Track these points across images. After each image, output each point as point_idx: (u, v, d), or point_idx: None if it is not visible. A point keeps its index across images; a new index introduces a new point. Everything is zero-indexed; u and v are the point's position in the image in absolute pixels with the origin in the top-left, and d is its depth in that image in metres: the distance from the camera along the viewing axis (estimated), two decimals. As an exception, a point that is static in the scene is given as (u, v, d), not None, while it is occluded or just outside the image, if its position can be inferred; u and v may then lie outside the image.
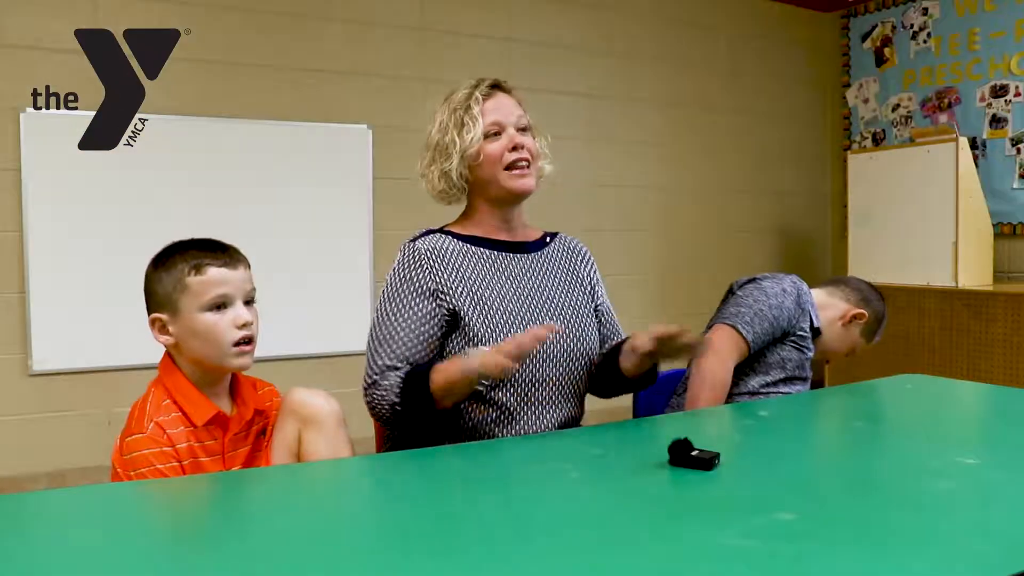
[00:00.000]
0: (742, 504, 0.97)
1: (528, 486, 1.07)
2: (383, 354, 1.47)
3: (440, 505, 1.01)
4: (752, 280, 1.91)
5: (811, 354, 1.87)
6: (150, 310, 1.37)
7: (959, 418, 1.63)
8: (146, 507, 1.09)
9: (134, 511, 1.06)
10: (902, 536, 0.86)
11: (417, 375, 1.41)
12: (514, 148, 1.51)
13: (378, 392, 1.44)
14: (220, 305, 1.35)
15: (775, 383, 1.82)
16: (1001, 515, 0.93)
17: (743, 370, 1.82)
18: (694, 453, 1.10)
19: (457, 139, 1.51)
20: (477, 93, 1.53)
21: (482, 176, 1.52)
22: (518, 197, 1.55)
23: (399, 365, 1.46)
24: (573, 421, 1.57)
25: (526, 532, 0.89)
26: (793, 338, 1.83)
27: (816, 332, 1.90)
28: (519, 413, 1.49)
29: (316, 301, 3.52)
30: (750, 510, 0.94)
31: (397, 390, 1.42)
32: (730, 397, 1.80)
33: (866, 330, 1.99)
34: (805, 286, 1.92)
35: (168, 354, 1.40)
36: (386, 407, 1.43)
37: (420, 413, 1.41)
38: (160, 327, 1.36)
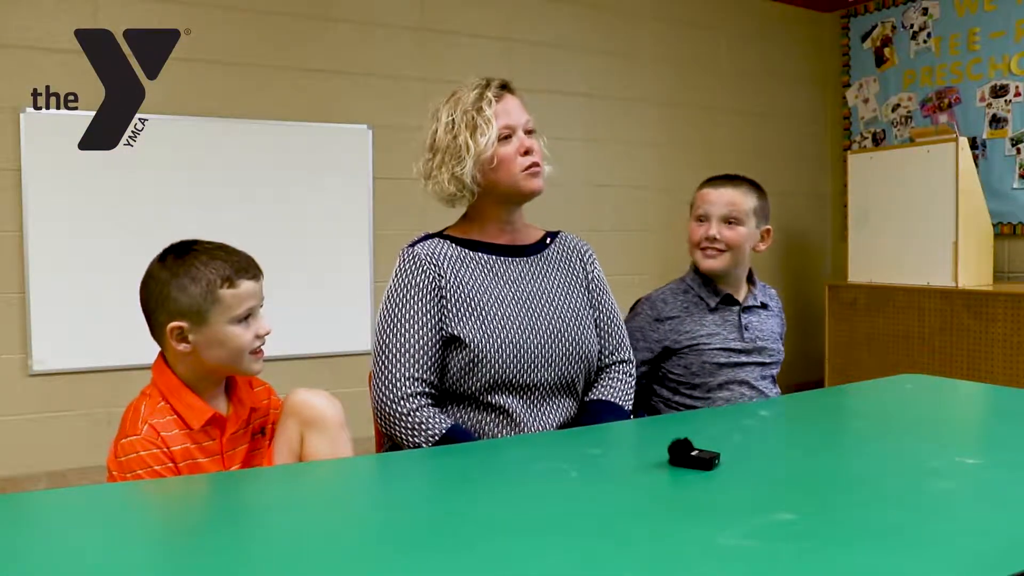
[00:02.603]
0: (742, 504, 0.97)
1: (528, 486, 1.07)
2: (403, 363, 1.47)
3: (440, 505, 1.01)
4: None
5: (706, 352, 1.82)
6: (166, 316, 1.33)
7: (959, 418, 1.63)
8: (146, 507, 1.09)
9: (134, 511, 1.06)
10: (902, 536, 0.86)
11: (458, 435, 1.44)
12: (526, 152, 1.52)
13: (415, 419, 1.44)
14: (248, 316, 1.35)
15: (704, 388, 1.81)
16: (1001, 515, 0.93)
17: (675, 388, 1.85)
18: (694, 453, 1.10)
19: (471, 143, 1.48)
20: (489, 95, 1.50)
21: (495, 179, 1.51)
22: (529, 198, 1.56)
23: (422, 375, 1.47)
24: (572, 420, 1.57)
25: (526, 532, 0.89)
26: (675, 353, 1.83)
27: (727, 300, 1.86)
28: (518, 416, 1.49)
29: (316, 301, 3.52)
30: (750, 510, 0.94)
31: (439, 435, 1.43)
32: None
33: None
34: (652, 295, 1.91)
35: (162, 356, 1.39)
36: (420, 439, 1.43)
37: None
38: (179, 335, 1.33)
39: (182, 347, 1.33)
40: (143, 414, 1.32)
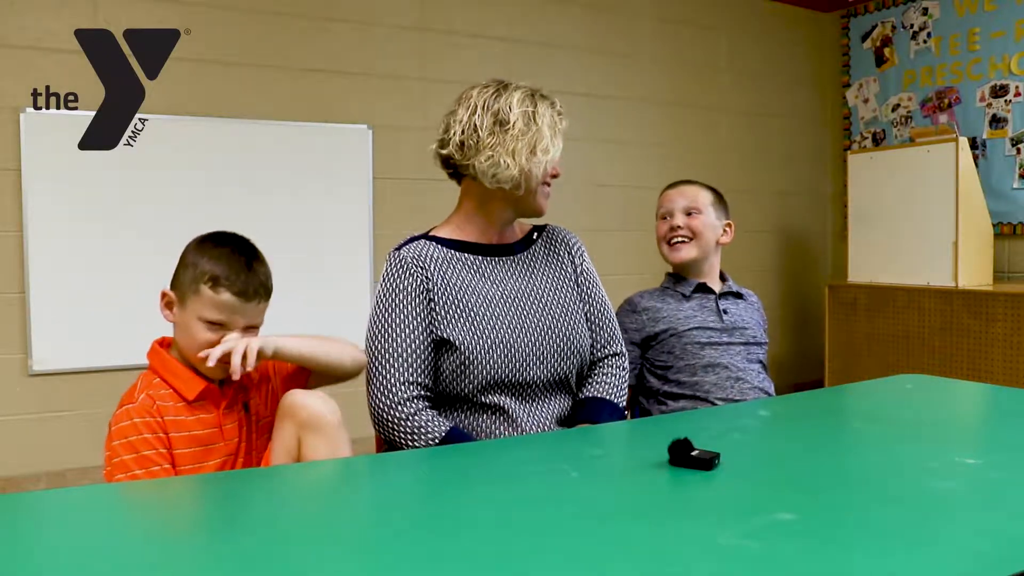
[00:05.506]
0: (742, 504, 0.97)
1: (528, 486, 1.07)
2: (397, 368, 1.47)
3: (440, 505, 1.01)
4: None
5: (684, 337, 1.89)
6: (171, 281, 1.42)
7: (959, 418, 1.63)
8: (146, 507, 1.09)
9: (134, 511, 1.06)
10: (902, 536, 0.86)
11: (458, 437, 1.45)
12: (555, 175, 1.55)
13: (414, 423, 1.44)
14: (219, 325, 1.37)
15: (690, 371, 1.86)
16: (1001, 515, 0.93)
17: (663, 379, 1.89)
18: (694, 453, 1.10)
19: (551, 146, 1.48)
20: (562, 111, 1.54)
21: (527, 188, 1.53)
22: (535, 216, 1.59)
23: (417, 379, 1.47)
24: (568, 416, 1.58)
25: (526, 532, 0.89)
26: (655, 339, 1.91)
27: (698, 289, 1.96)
28: (514, 414, 1.50)
29: (316, 301, 3.52)
30: (750, 510, 0.94)
31: (439, 438, 1.42)
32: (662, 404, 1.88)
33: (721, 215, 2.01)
34: (630, 297, 2.03)
35: (156, 341, 1.45)
36: (419, 443, 1.43)
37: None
38: (167, 303, 1.41)
39: (165, 314, 1.41)
40: (139, 388, 1.38)
